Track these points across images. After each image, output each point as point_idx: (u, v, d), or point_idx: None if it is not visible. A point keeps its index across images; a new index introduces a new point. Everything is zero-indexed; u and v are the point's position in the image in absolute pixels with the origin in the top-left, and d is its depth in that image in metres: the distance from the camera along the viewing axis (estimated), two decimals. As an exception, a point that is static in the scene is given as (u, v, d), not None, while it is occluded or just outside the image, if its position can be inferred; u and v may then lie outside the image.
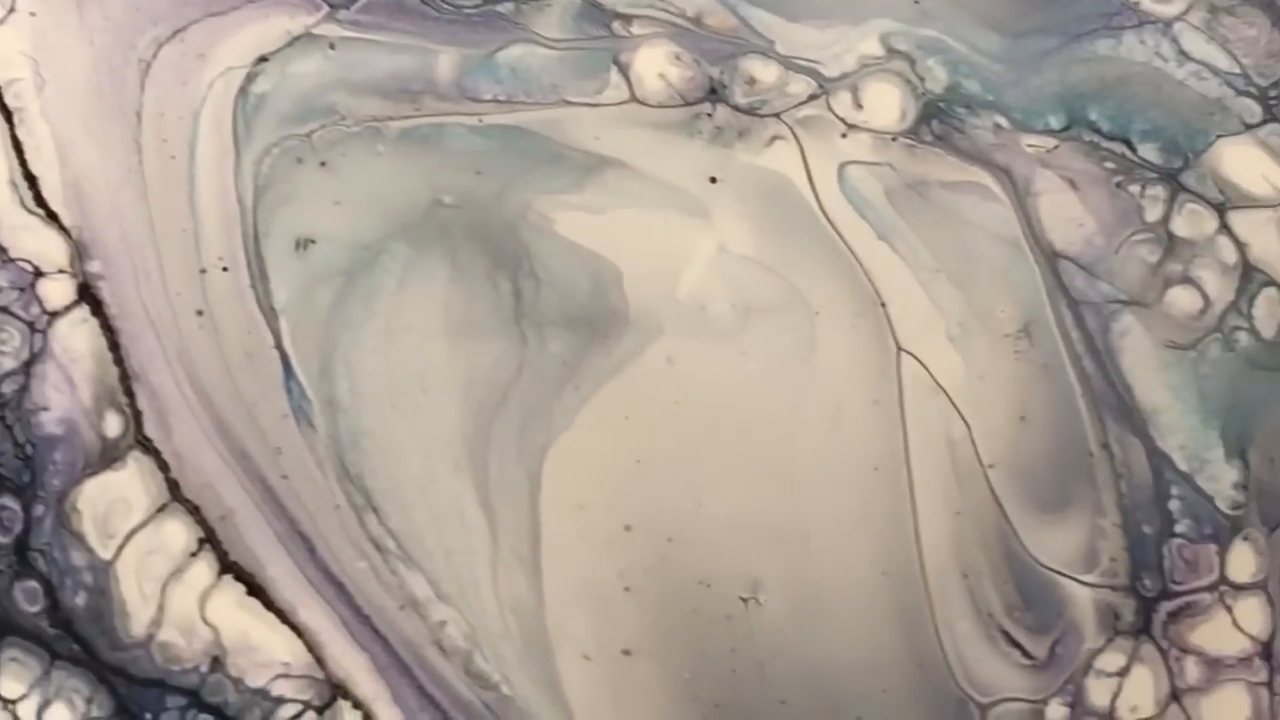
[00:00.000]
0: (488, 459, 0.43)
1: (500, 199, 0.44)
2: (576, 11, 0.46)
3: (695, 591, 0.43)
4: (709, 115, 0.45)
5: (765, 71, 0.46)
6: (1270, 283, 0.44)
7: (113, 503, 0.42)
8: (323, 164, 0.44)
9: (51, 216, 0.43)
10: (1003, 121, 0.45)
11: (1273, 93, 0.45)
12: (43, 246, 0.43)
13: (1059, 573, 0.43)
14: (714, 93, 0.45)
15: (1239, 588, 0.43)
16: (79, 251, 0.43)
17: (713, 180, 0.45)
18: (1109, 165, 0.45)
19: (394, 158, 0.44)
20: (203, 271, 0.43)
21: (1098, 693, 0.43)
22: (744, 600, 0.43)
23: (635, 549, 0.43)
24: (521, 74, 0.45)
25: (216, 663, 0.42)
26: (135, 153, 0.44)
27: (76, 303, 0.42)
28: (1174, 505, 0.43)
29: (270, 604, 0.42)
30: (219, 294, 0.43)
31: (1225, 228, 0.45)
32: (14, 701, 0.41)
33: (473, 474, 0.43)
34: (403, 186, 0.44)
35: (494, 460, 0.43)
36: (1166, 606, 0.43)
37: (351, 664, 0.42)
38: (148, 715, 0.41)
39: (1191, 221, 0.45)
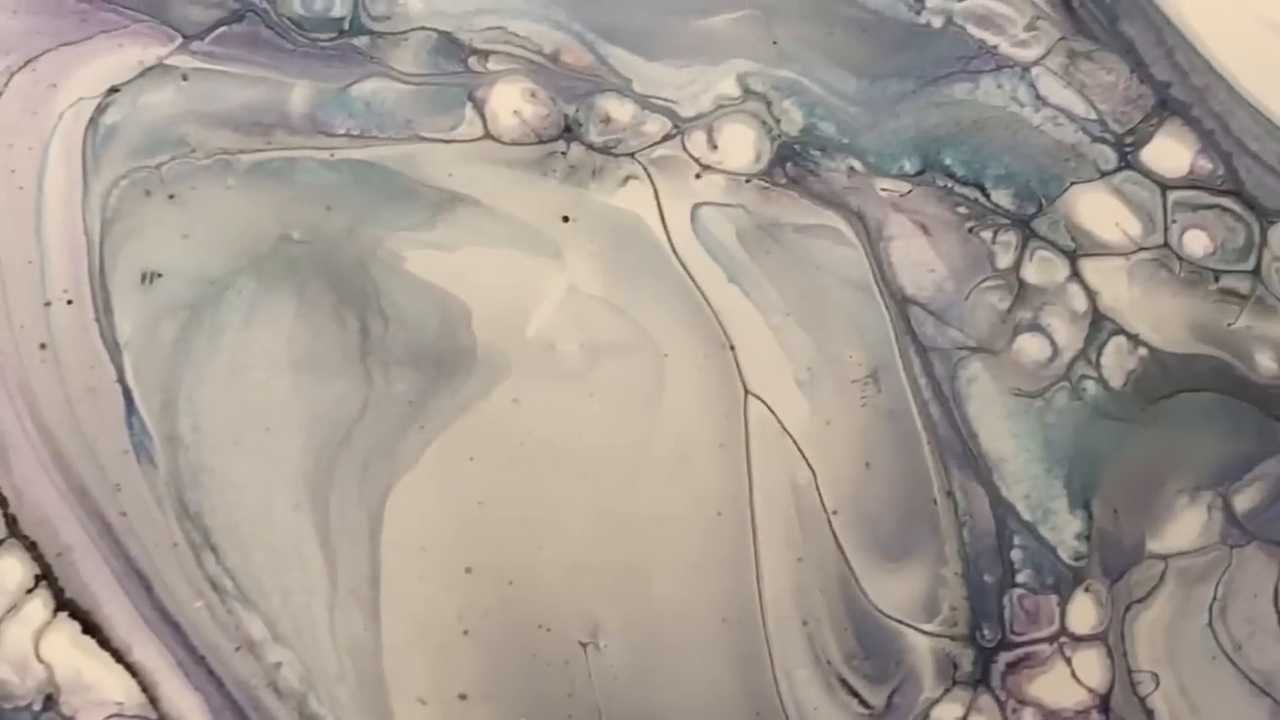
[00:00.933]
0: (329, 499, 0.41)
1: (350, 235, 0.42)
2: (432, 46, 0.44)
3: (534, 635, 0.41)
4: (563, 153, 0.44)
5: (621, 110, 0.44)
6: (1119, 331, 0.43)
7: (-52, 539, 0.40)
8: (171, 197, 0.42)
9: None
10: (857, 165, 0.44)
11: (1129, 139, 0.44)
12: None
13: (899, 621, 0.42)
14: (569, 131, 0.44)
15: (1079, 639, 0.42)
16: (-83, 282, 0.41)
17: (565, 219, 0.43)
18: (962, 210, 0.44)
19: (244, 191, 0.43)
20: (47, 304, 0.41)
21: None
22: (583, 645, 0.41)
23: (475, 592, 0.41)
24: (375, 108, 0.44)
25: (50, 701, 0.40)
26: (-18, 183, 0.42)
27: (-87, 334, 0.40)
28: (1016, 555, 0.42)
29: (105, 642, 0.40)
30: (63, 327, 0.41)
31: (1076, 275, 0.43)
32: None
33: (313, 514, 0.41)
34: (252, 221, 0.43)
35: (335, 500, 0.41)
36: (1005, 657, 0.42)
37: (186, 705, 0.40)
38: (-23, 752, 0.40)
39: (1042, 268, 0.43)
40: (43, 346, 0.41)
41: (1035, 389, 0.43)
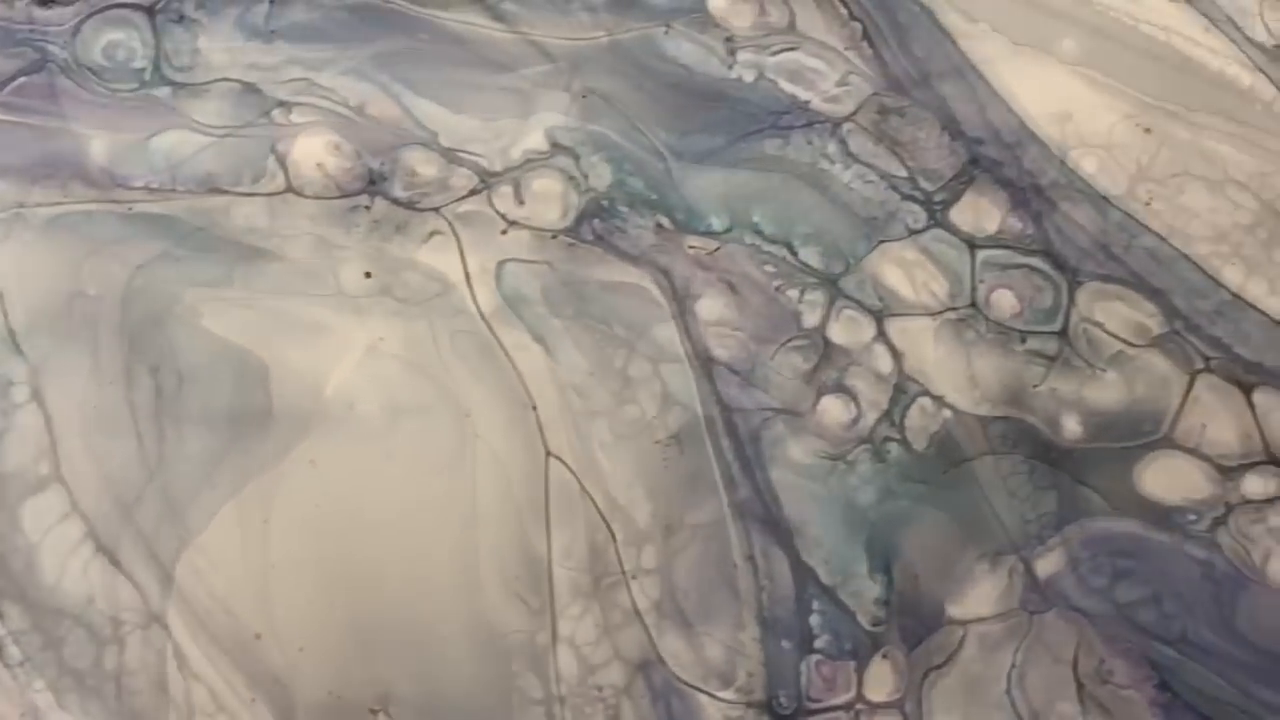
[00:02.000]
0: (119, 559, 0.40)
1: (146, 291, 0.40)
2: (235, 98, 0.42)
3: (324, 703, 0.39)
4: (366, 208, 0.42)
5: (426, 164, 0.42)
6: (924, 393, 0.41)
7: None
8: None
9: None
10: (665, 222, 0.42)
11: (938, 197, 0.41)
12: None
13: (695, 688, 0.39)
14: (373, 184, 0.42)
15: (875, 706, 0.40)
16: None
17: (367, 275, 0.41)
18: (769, 269, 0.41)
19: (38, 246, 0.40)
20: None
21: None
22: (373, 712, 0.40)
23: (265, 658, 0.39)
24: (175, 161, 0.42)
25: None
26: None
27: None
28: (815, 620, 0.40)
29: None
30: None
31: (882, 335, 0.41)
32: None
33: (103, 576, 0.39)
34: (47, 276, 0.40)
35: (125, 560, 0.40)
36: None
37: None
38: None
39: (848, 328, 0.41)
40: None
41: (838, 451, 0.40)
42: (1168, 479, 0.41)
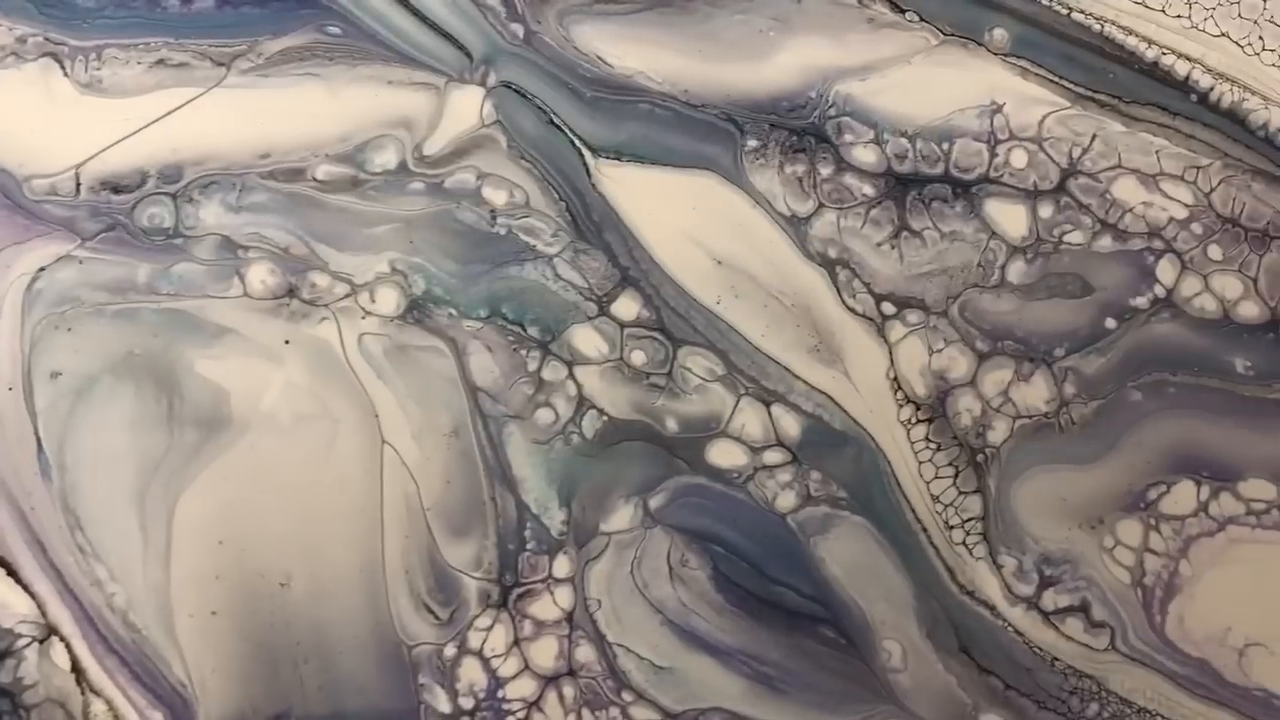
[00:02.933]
0: (145, 504, 0.51)
1: (166, 352, 0.53)
2: (218, 243, 0.55)
3: (254, 581, 0.52)
4: (288, 305, 0.54)
5: (322, 280, 0.55)
6: (593, 407, 0.55)
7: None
8: (69, 329, 0.53)
9: None
10: (453, 311, 0.54)
11: (605, 299, 0.57)
12: None
13: (460, 571, 0.53)
14: (292, 292, 0.54)
15: (559, 580, 0.53)
16: None
17: (286, 342, 0.54)
18: (510, 338, 0.55)
19: (109, 326, 0.53)
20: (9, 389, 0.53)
21: (474, 640, 0.53)
22: (281, 585, 0.52)
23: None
24: (185, 279, 0.54)
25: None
26: None
27: None
28: (527, 533, 0.53)
29: (16, 578, 0.50)
30: (6, 404, 0.52)
31: (571, 376, 0.55)
32: None
33: (138, 513, 0.51)
34: (112, 342, 0.53)
35: (149, 505, 0.51)
36: (517, 591, 0.53)
37: (61, 617, 0.50)
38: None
39: (553, 371, 0.55)
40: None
41: (545, 439, 0.54)
42: (723, 454, 0.55)
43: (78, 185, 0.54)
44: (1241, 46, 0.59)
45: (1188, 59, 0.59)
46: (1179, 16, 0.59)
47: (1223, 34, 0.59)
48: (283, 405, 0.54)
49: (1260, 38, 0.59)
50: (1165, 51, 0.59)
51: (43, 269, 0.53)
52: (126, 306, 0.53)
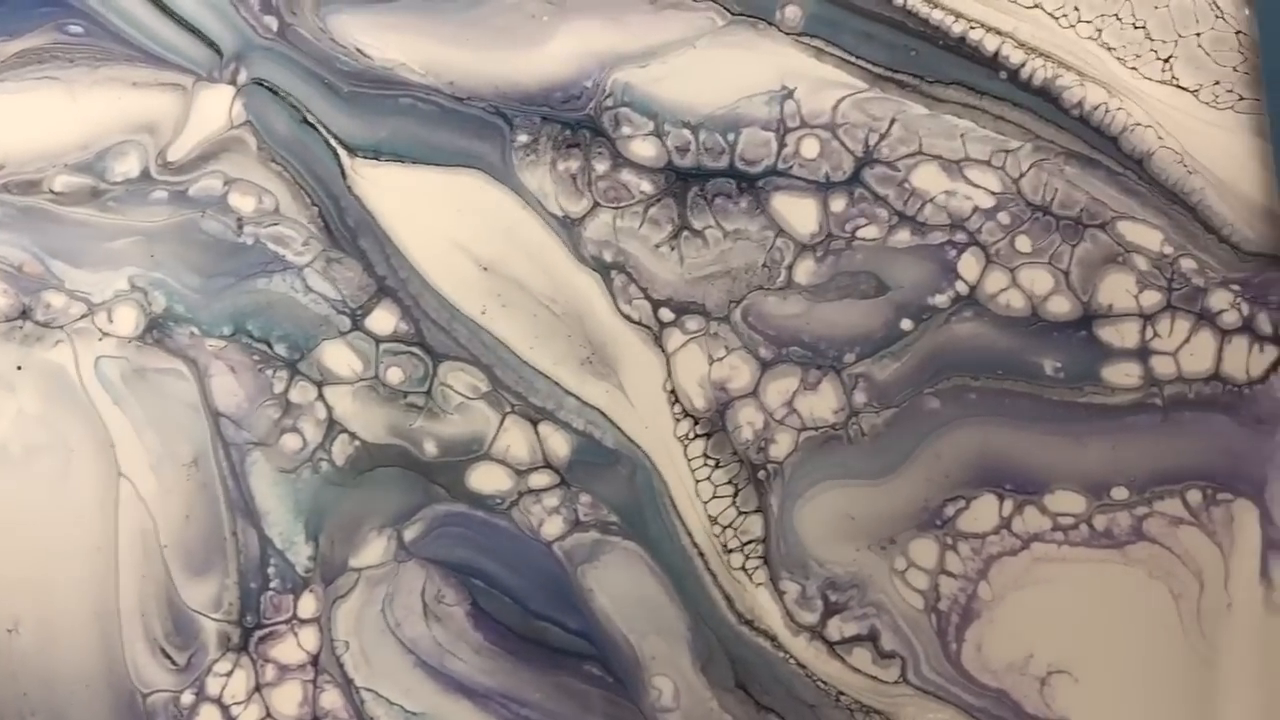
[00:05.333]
0: None
1: None
2: None
3: None
4: (20, 327, 0.52)
5: (57, 299, 0.52)
6: (344, 431, 0.51)
7: None
8: None
9: None
10: (195, 330, 0.51)
11: (359, 311, 0.52)
12: None
13: (199, 612, 0.50)
14: (25, 313, 0.52)
15: (304, 621, 0.50)
16: None
17: (19, 368, 0.51)
18: (256, 357, 0.51)
19: None
20: None
21: (213, 686, 0.50)
22: (9, 631, 0.49)
23: None
24: None
25: None
26: None
27: None
28: (271, 570, 0.50)
29: None
30: None
31: (321, 397, 0.52)
32: None
33: None
34: None
35: None
36: (259, 633, 0.50)
37: None
38: None
39: (301, 392, 0.52)
40: None
41: (292, 468, 0.51)
42: (486, 478, 0.51)
43: None
44: (1056, 18, 0.54)
45: (998, 33, 0.54)
46: (986, -12, 0.54)
47: (1036, 5, 0.54)
48: (14, 436, 0.51)
49: (1076, 8, 0.54)
50: (974, 25, 0.54)
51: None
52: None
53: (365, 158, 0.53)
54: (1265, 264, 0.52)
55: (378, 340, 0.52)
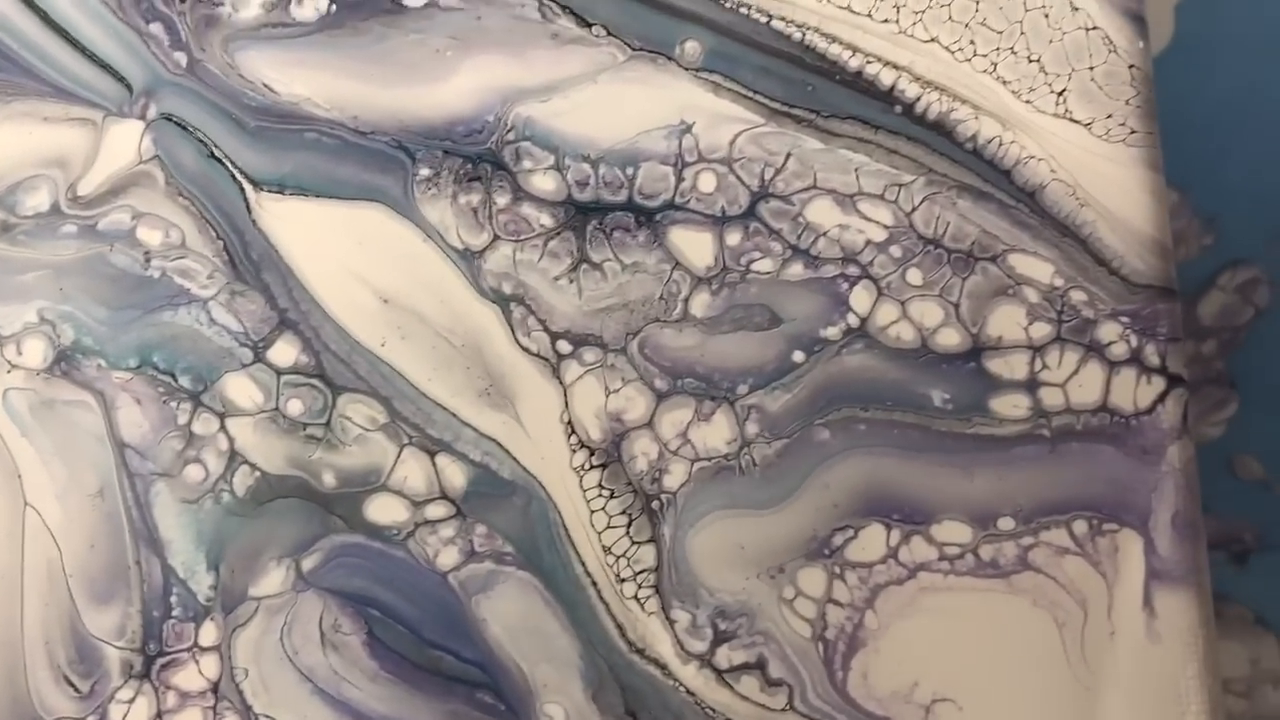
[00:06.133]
0: None
1: None
2: None
3: None
4: None
5: None
6: (246, 462, 0.52)
7: None
8: None
9: None
10: (103, 362, 0.52)
11: (261, 344, 0.53)
12: None
13: (102, 640, 0.51)
14: None
15: (205, 649, 0.51)
16: None
17: None
18: (160, 389, 0.52)
19: None
20: None
21: (115, 714, 0.51)
22: None
23: None
24: None
25: None
26: None
27: None
28: (174, 598, 0.51)
29: None
30: None
31: (224, 428, 0.53)
32: None
33: None
34: None
35: None
36: (161, 660, 0.51)
37: None
38: None
39: (204, 424, 0.53)
40: None
41: (194, 498, 0.52)
42: (383, 509, 0.52)
43: None
44: (952, 52, 0.54)
45: (895, 67, 0.54)
46: (886, 21, 0.55)
47: (933, 39, 0.54)
48: None
49: (972, 42, 0.54)
50: (870, 59, 0.54)
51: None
52: None
53: (270, 191, 0.54)
54: (1154, 296, 0.52)
55: (279, 372, 0.53)
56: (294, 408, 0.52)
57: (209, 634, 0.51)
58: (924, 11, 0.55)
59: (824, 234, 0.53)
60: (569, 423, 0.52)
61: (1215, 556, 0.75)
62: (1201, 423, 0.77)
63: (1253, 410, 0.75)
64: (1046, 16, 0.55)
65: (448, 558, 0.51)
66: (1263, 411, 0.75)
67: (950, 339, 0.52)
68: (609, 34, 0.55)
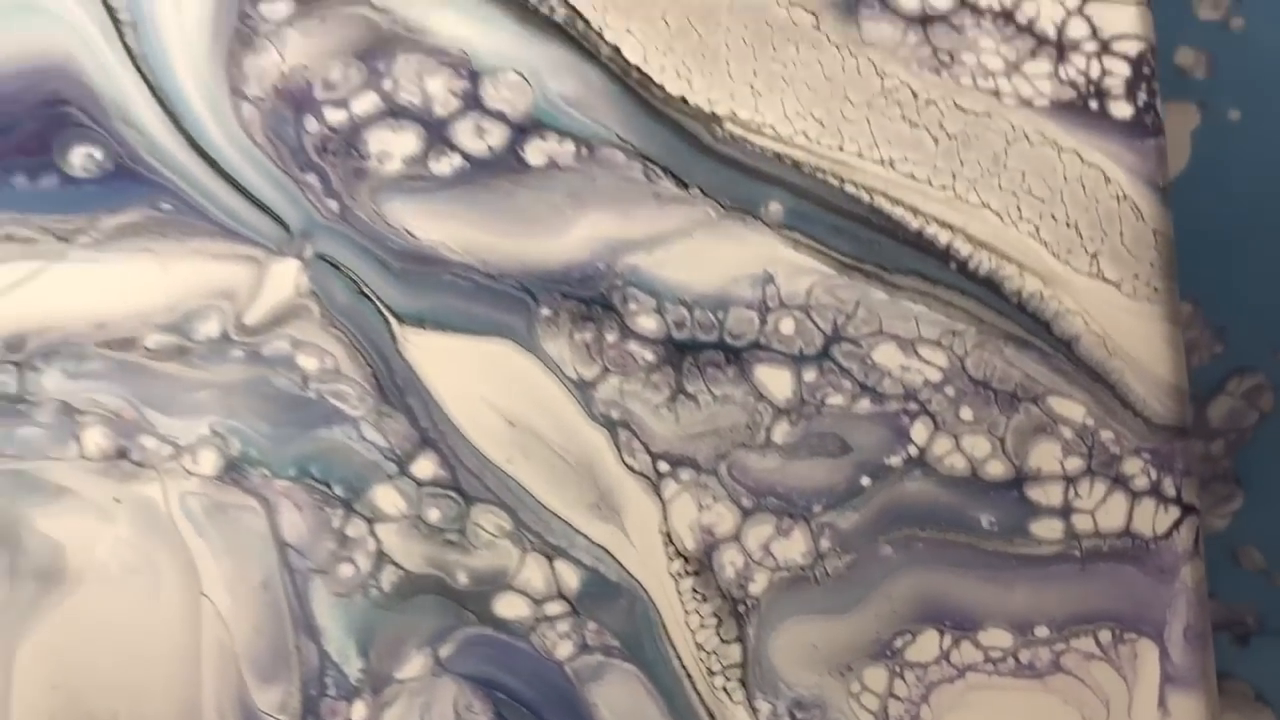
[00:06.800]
0: None
1: (10, 509, 0.59)
2: (57, 409, 0.59)
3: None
4: (119, 465, 0.58)
5: (149, 442, 0.58)
6: (391, 562, 0.59)
7: None
8: None
9: None
10: (266, 471, 0.58)
11: (405, 459, 0.61)
12: None
13: (268, 714, 0.58)
14: (123, 453, 0.58)
15: None
16: None
17: (117, 500, 0.58)
18: (317, 496, 0.59)
19: None
20: None
21: None
22: None
23: (56, 703, 0.57)
24: (27, 440, 0.59)
25: None
26: None
27: None
28: (328, 679, 0.57)
29: None
30: None
31: (372, 533, 0.60)
32: None
33: None
34: None
35: None
36: None
37: None
38: None
39: (355, 528, 0.58)
40: None
41: (346, 592, 0.58)
42: (509, 606, 0.59)
43: (-71, 354, 0.60)
44: (1000, 216, 0.63)
45: (950, 228, 0.62)
46: (943, 188, 0.63)
47: (984, 204, 0.63)
48: (112, 558, 0.57)
49: (1018, 208, 0.62)
50: (929, 221, 0.63)
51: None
52: (-39, 466, 0.60)
53: (412, 325, 0.62)
54: (1171, 435, 0.61)
55: (420, 484, 0.59)
56: (433, 515, 0.59)
57: (359, 711, 0.59)
58: (976, 180, 0.63)
59: (888, 374, 0.61)
60: (667, 534, 0.60)
61: (1219, 637, 0.84)
62: (1209, 515, 0.85)
63: (1256, 505, 0.84)
64: (1083, 187, 0.63)
65: (564, 650, 0.59)
66: (1265, 507, 0.84)
67: (996, 469, 0.60)
68: (704, 194, 0.63)
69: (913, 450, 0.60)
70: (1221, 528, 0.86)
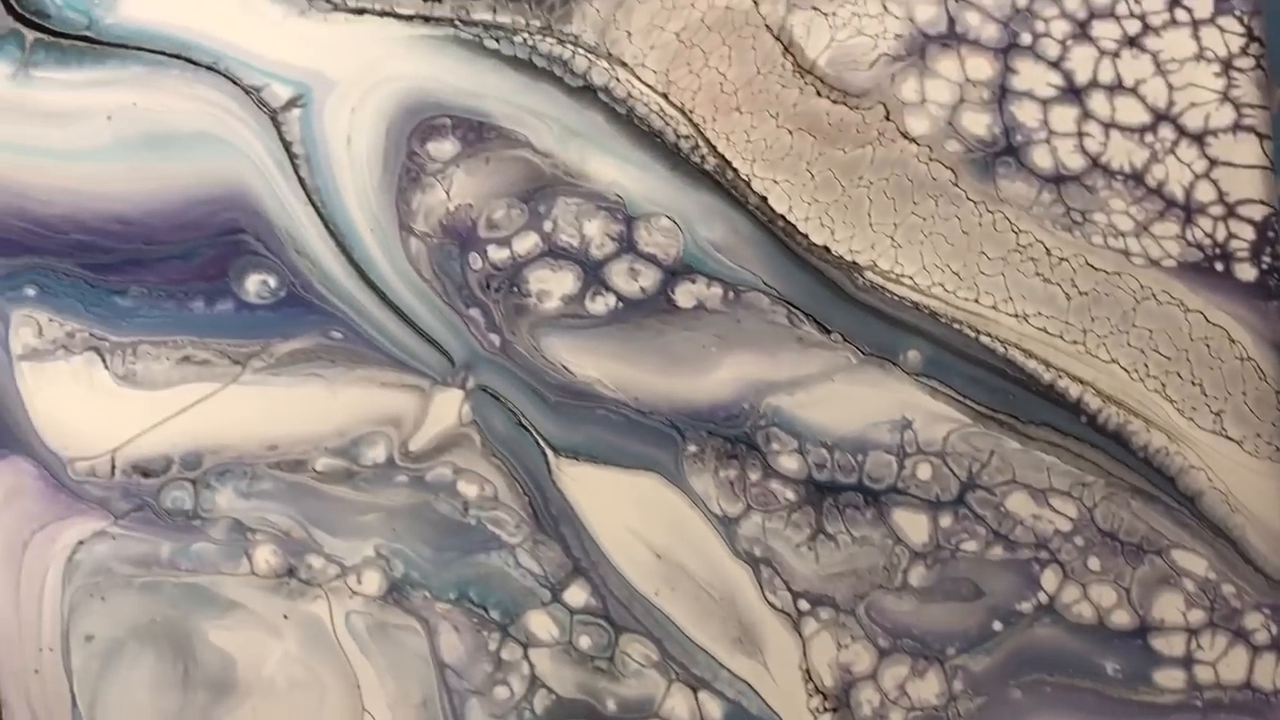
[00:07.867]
0: None
1: (183, 621, 0.63)
2: (229, 526, 0.64)
3: None
4: (288, 583, 0.62)
5: (317, 561, 0.62)
6: (544, 686, 0.64)
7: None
8: (103, 598, 0.63)
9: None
10: (427, 594, 0.61)
11: (559, 586, 0.65)
12: None
13: None
14: (291, 571, 0.62)
15: None
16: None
17: (285, 617, 0.61)
18: (475, 620, 0.63)
19: (135, 597, 0.63)
20: (39, 650, 0.64)
21: None
22: None
23: None
24: (201, 555, 0.63)
25: None
26: None
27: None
28: None
29: None
30: (46, 661, 0.64)
31: (526, 657, 0.64)
32: None
33: None
34: (137, 612, 0.62)
35: None
36: None
37: None
38: None
39: (510, 651, 0.62)
40: (36, 672, 0.64)
41: (501, 714, 0.62)
42: None
43: (113, 468, 0.61)
44: (1129, 372, 0.65)
45: (1081, 382, 0.65)
46: (1075, 343, 0.66)
47: (1113, 360, 0.66)
48: (280, 673, 0.61)
49: (1145, 365, 0.65)
50: (1060, 375, 0.65)
51: (81, 542, 0.61)
52: (151, 579, 0.61)
53: (567, 457, 0.65)
54: (1291, 591, 0.63)
55: (572, 612, 0.62)
56: (584, 642, 0.62)
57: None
58: (1107, 337, 0.66)
59: (1020, 522, 0.64)
60: (806, 670, 0.63)
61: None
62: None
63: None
64: (1208, 347, 0.66)
65: (707, 778, 0.62)
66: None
67: (1122, 618, 0.63)
68: (844, 340, 0.66)
69: (1043, 597, 0.63)
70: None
